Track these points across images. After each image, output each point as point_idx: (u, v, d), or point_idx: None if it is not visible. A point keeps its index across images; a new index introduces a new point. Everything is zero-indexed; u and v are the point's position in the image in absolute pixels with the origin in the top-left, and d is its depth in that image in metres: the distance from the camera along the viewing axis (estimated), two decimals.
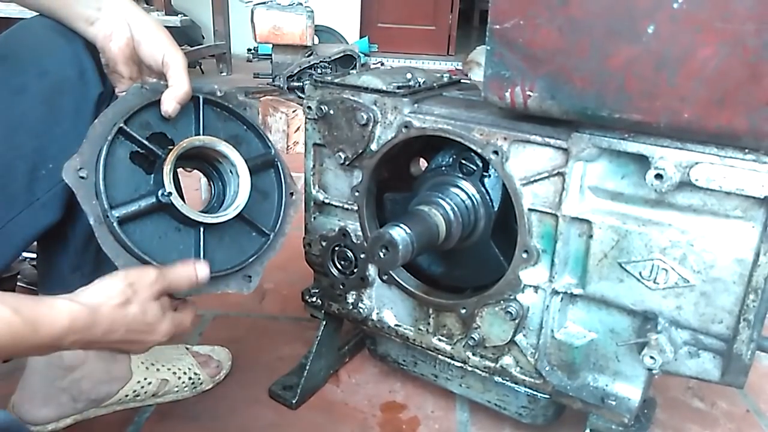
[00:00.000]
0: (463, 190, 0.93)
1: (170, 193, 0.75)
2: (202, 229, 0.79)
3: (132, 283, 0.69)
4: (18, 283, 1.41)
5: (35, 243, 0.92)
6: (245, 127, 0.88)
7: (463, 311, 0.93)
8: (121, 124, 0.74)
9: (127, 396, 1.06)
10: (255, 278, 0.84)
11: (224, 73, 4.50)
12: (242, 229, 0.85)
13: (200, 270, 0.76)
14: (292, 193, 0.90)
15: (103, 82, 0.84)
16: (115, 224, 0.71)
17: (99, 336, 0.66)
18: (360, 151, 0.95)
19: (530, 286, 0.87)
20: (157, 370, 1.09)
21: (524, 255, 0.85)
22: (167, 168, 0.75)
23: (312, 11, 3.05)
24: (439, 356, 1.02)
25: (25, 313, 0.58)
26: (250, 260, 0.83)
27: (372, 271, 1.03)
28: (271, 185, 0.89)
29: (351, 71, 1.06)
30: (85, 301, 0.65)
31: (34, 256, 1.35)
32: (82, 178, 0.71)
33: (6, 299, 0.58)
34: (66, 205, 0.83)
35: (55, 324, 0.61)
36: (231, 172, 0.84)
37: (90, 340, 0.66)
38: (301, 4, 3.13)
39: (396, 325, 1.04)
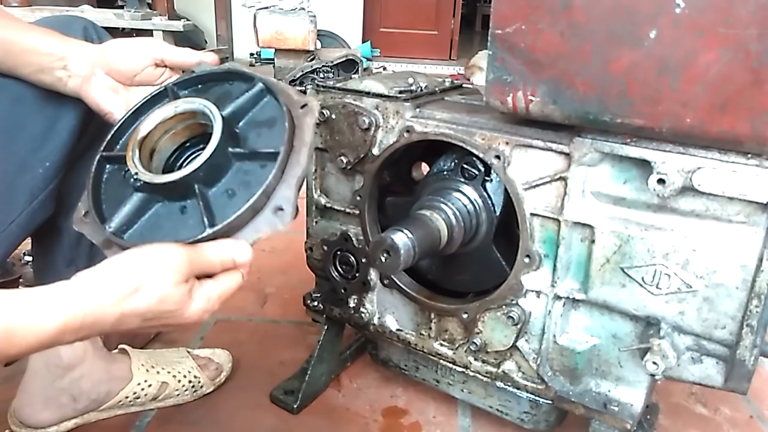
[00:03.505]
0: (464, 194, 0.93)
1: (136, 173, 0.68)
2: (199, 191, 0.69)
3: (146, 268, 0.60)
4: (20, 287, 1.41)
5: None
6: (229, 81, 0.79)
7: (465, 316, 0.93)
8: (100, 155, 0.73)
9: (127, 398, 1.06)
10: (288, 206, 0.69)
11: None
12: (248, 167, 0.71)
13: (240, 251, 0.66)
14: (304, 105, 0.76)
15: None
16: (109, 235, 0.68)
17: (108, 328, 0.59)
18: (362, 155, 0.95)
19: (532, 291, 0.86)
20: (157, 372, 1.09)
21: (526, 260, 0.85)
22: (129, 153, 0.70)
23: (314, 16, 3.06)
24: (441, 361, 1.01)
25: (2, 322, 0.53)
26: (265, 187, 0.67)
27: (374, 275, 1.02)
28: (274, 111, 0.76)
29: (353, 76, 1.06)
30: (86, 294, 0.58)
31: None
32: (86, 221, 0.71)
33: None
34: (60, 199, 0.86)
35: (41, 332, 0.54)
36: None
37: (98, 332, 0.60)
38: (303, 8, 3.14)
39: (398, 330, 1.04)
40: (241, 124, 0.75)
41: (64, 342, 0.57)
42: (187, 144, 0.75)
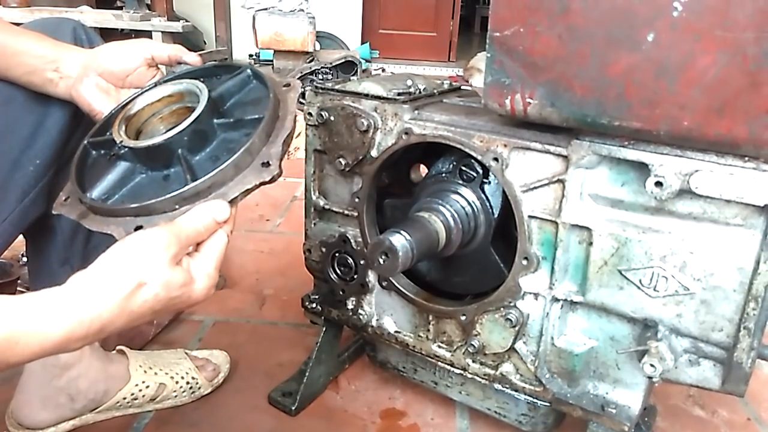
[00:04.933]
0: (463, 196, 0.93)
1: (121, 141, 0.68)
2: (183, 157, 0.68)
3: (140, 260, 0.58)
4: (18, 288, 1.41)
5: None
6: (217, 75, 0.81)
7: (463, 318, 0.93)
8: (86, 141, 0.74)
9: (125, 399, 1.06)
10: (274, 161, 0.68)
11: None
12: (233, 136, 0.71)
13: (217, 209, 0.64)
14: (287, 84, 0.78)
15: None
16: (89, 203, 0.67)
17: (120, 328, 0.58)
18: (360, 157, 0.95)
19: (530, 293, 0.87)
20: (155, 374, 1.09)
21: (524, 262, 0.85)
22: (115, 127, 0.71)
23: (313, 17, 3.06)
24: (439, 363, 1.01)
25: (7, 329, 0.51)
26: (249, 145, 0.66)
27: (372, 277, 1.02)
28: (259, 93, 0.77)
29: (352, 77, 1.06)
30: (89, 299, 0.56)
31: None
32: (65, 204, 0.71)
33: None
34: (52, 197, 0.86)
35: (45, 339, 0.53)
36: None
37: (108, 334, 0.58)
38: (302, 10, 3.14)
39: (396, 332, 1.04)
40: (227, 105, 0.76)
41: (70, 349, 0.56)
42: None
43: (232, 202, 0.66)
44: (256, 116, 0.70)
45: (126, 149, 0.69)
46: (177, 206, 0.65)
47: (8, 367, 0.52)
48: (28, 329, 0.52)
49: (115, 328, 0.58)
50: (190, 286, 0.62)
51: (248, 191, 0.67)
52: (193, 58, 0.85)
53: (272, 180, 0.67)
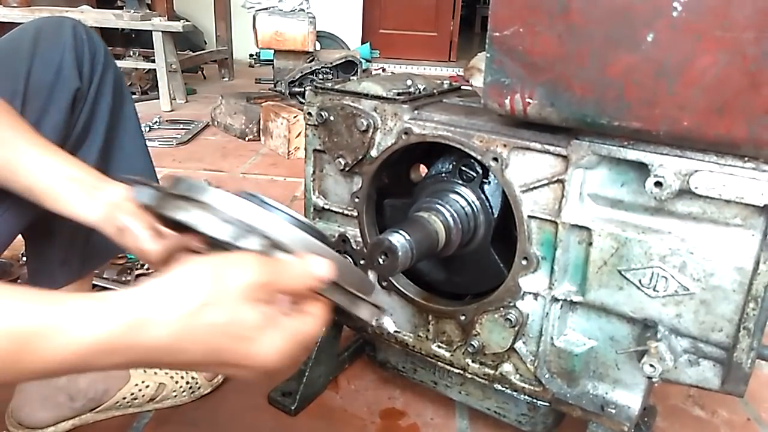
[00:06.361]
0: (462, 196, 0.93)
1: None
2: None
3: (217, 277, 0.48)
4: None
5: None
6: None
7: (463, 318, 0.93)
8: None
9: (125, 399, 1.06)
10: (386, 314, 0.63)
11: (226, 79, 4.51)
12: None
13: (319, 267, 0.52)
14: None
15: (80, 79, 0.87)
16: None
17: (157, 354, 0.46)
18: (360, 157, 0.95)
19: (530, 293, 0.86)
20: (155, 373, 1.09)
21: (524, 262, 0.85)
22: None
23: (314, 17, 3.06)
24: (439, 363, 1.01)
25: (23, 327, 0.41)
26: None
27: (371, 277, 1.02)
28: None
29: (352, 77, 1.06)
30: (132, 305, 0.45)
31: None
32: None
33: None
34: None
35: (66, 346, 0.42)
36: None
37: (142, 357, 0.46)
38: (303, 10, 3.14)
39: (395, 332, 1.04)
40: None
41: (93, 367, 0.45)
42: None
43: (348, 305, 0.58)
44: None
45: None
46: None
47: (17, 378, 0.43)
48: (48, 330, 0.42)
49: (154, 350, 0.46)
50: (260, 334, 0.49)
51: (351, 307, 0.59)
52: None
53: (365, 323, 0.61)
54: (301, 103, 2.80)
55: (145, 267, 1.55)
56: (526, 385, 0.92)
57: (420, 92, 0.96)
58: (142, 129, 1.04)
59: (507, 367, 0.93)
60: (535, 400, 0.94)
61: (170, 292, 0.47)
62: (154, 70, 3.40)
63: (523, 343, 0.90)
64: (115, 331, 0.44)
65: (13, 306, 0.42)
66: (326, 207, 1.04)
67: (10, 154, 0.73)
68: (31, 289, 0.44)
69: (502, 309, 0.89)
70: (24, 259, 1.47)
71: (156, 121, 3.06)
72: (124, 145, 0.97)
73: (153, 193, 0.59)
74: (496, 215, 0.93)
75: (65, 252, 0.96)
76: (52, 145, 0.76)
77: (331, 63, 2.89)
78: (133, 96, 3.35)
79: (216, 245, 0.54)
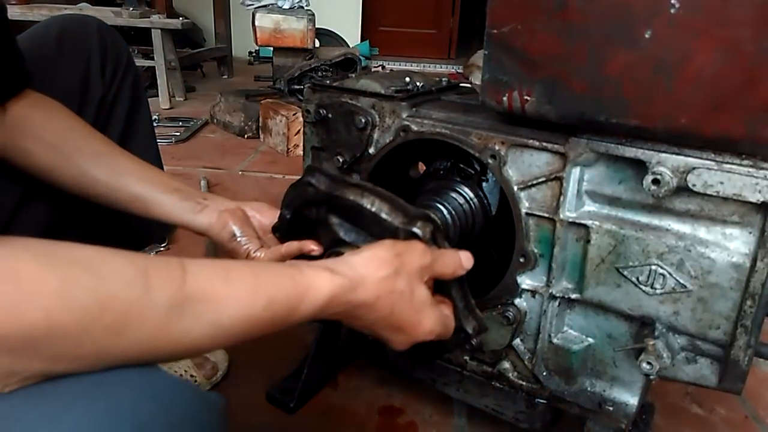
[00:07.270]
0: (460, 194, 0.93)
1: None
2: None
3: (400, 254, 0.60)
4: None
5: None
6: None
7: None
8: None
9: None
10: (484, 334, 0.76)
11: (225, 76, 4.51)
12: None
13: (466, 257, 0.70)
14: None
15: (106, 86, 0.87)
16: None
17: (361, 312, 0.58)
18: (358, 154, 0.95)
19: (528, 290, 0.86)
20: None
21: (521, 259, 0.85)
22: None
23: (313, 14, 3.05)
24: (437, 360, 1.01)
25: (298, 281, 0.52)
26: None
27: None
28: None
29: (351, 75, 1.06)
30: (347, 271, 0.56)
31: None
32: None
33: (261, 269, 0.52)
34: (59, 206, 0.85)
35: (317, 296, 0.53)
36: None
37: (351, 315, 0.58)
38: (302, 7, 3.13)
39: None
40: None
41: (321, 316, 0.55)
42: None
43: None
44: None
45: None
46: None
47: (285, 328, 0.52)
48: (306, 286, 0.52)
49: (357, 306, 0.56)
50: (426, 311, 0.63)
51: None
52: None
53: (470, 341, 0.76)
54: (300, 100, 2.79)
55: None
56: (524, 383, 0.92)
57: (418, 89, 0.96)
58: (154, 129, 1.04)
59: (505, 365, 0.93)
60: (533, 398, 0.94)
61: (372, 261, 0.58)
62: (153, 67, 3.40)
63: (521, 340, 0.90)
64: (344, 286, 0.54)
65: (281, 277, 0.52)
66: None
67: (113, 165, 0.77)
68: (276, 264, 0.58)
69: (499, 306, 0.89)
70: None
71: (155, 119, 3.05)
72: (135, 149, 0.97)
73: (329, 181, 0.71)
74: (494, 213, 0.93)
75: None
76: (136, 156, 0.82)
77: (331, 60, 2.89)
78: None
79: (342, 244, 0.69)
